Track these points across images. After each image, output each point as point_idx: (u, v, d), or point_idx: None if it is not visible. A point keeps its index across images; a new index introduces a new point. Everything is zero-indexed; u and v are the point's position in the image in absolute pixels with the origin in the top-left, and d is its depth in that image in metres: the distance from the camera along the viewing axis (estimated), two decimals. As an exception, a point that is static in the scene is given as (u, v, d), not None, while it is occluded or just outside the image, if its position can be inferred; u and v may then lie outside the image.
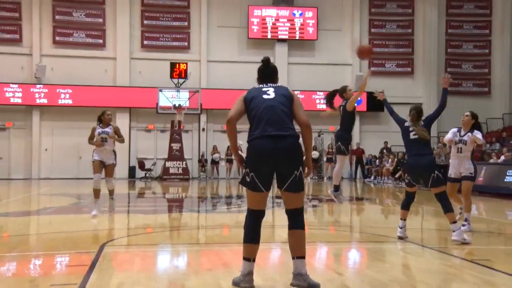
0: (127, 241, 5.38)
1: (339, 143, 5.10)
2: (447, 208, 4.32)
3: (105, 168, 6.26)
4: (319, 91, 17.54)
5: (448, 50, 18.84)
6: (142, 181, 16.16)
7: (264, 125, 2.66)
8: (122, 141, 6.42)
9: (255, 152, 2.69)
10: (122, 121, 17.34)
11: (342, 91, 5.11)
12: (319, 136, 17.94)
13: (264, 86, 2.85)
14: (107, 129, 6.14)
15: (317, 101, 17.71)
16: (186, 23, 17.48)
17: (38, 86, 16.22)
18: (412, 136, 4.41)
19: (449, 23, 18.84)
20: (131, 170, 16.96)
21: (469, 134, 4.98)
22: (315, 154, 17.34)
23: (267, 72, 2.93)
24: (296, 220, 2.76)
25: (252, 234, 2.76)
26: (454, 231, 4.29)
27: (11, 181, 15.96)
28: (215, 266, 3.38)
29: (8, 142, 16.32)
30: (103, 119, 6.19)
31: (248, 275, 2.75)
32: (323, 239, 5.22)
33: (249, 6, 17.50)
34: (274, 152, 2.64)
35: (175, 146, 15.96)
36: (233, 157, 2.35)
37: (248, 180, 2.71)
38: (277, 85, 2.85)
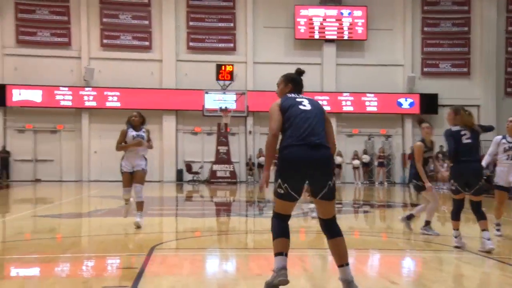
0: (176, 244, 5.70)
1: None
2: (483, 216, 4.53)
3: (134, 174, 6.04)
4: (369, 93, 18.25)
5: (508, 49, 19.08)
6: (190, 184, 17.12)
7: (302, 134, 2.85)
8: (150, 146, 6.22)
9: (291, 159, 2.85)
10: (168, 124, 18.65)
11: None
12: (369, 139, 18.44)
13: (297, 96, 3.04)
14: (141, 133, 6.03)
15: (367, 103, 18.42)
16: (232, 24, 18.43)
17: (86, 89, 17.55)
18: (465, 140, 4.47)
19: (509, 20, 19.07)
20: (179, 173, 18.04)
21: None
22: (365, 158, 17.99)
23: (300, 82, 3.16)
24: (334, 228, 2.95)
25: (282, 229, 2.94)
26: (488, 239, 4.42)
27: (62, 183, 17.23)
28: (264, 272, 3.43)
29: (59, 145, 17.74)
30: (132, 122, 6.07)
31: (282, 269, 2.84)
32: (375, 246, 5.36)
33: (295, 6, 18.31)
34: (312, 160, 2.83)
35: (222, 149, 16.90)
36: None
37: (282, 192, 2.86)
38: (309, 98, 3.08)
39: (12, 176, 17.32)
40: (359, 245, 5.37)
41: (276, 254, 2.91)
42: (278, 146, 2.96)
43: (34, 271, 4.20)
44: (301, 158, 2.84)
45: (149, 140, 6.16)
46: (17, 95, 17.19)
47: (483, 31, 18.56)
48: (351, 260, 4.01)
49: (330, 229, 2.96)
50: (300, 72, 3.21)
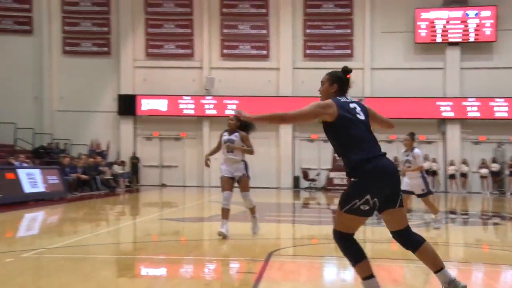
0: (293, 251, 5.98)
1: None
2: None
3: (238, 183, 6.25)
4: (498, 97, 18.09)
5: None
6: (306, 191, 18.03)
7: (369, 145, 2.90)
8: (249, 152, 6.26)
9: (381, 171, 2.82)
10: (285, 131, 19.23)
11: None
12: (499, 147, 18.24)
13: (347, 100, 3.01)
14: (232, 137, 6.15)
15: (495, 108, 18.31)
16: (349, 30, 19.11)
17: (207, 97, 19.11)
18: None
19: None
20: (295, 180, 18.99)
21: None
22: (495, 166, 17.71)
23: (347, 83, 3.13)
24: (414, 236, 2.95)
25: (361, 250, 2.93)
26: None
27: (186, 188, 18.95)
28: (384, 283, 3.48)
29: (182, 151, 19.48)
30: (227, 126, 6.32)
31: None
32: (507, 262, 5.25)
33: (416, 10, 18.65)
34: (393, 170, 2.93)
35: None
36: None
37: (367, 208, 2.80)
38: (357, 101, 3.09)
39: (141, 181, 19.44)
40: (488, 259, 5.40)
41: (366, 278, 2.88)
42: (346, 161, 2.92)
43: (161, 271, 4.73)
44: (388, 169, 2.88)
45: (248, 145, 6.21)
46: (146, 105, 19.23)
47: None
48: (479, 274, 4.12)
49: (412, 238, 2.95)
50: (346, 71, 3.17)
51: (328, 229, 8.71)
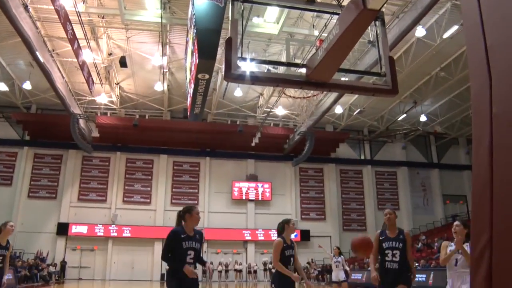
0: None
1: None
2: None
3: None
4: (273, 229, 39.28)
5: (343, 206, 39.77)
6: None
7: None
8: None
9: None
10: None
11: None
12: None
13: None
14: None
15: (271, 234, 39.04)
16: (196, 190, 39.46)
17: (112, 226, 34.99)
18: None
19: (343, 190, 41.19)
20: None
21: None
22: (270, 265, 37.87)
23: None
24: None
25: None
26: None
27: (94, 281, 36.04)
28: None
29: (94, 258, 36.38)
30: None
31: None
32: None
33: (232, 181, 40.77)
34: None
35: None
36: None
37: None
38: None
39: (67, 276, 35.25)
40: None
41: None
42: None
43: None
44: None
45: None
46: (74, 229, 35.23)
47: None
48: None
49: None
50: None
51: None
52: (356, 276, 28.43)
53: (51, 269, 32.38)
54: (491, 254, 1.84)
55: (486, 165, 1.89)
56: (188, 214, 5.39)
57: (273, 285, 5.98)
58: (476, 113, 2.07)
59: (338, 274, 13.42)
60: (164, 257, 5.10)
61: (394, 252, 6.01)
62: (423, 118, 35.35)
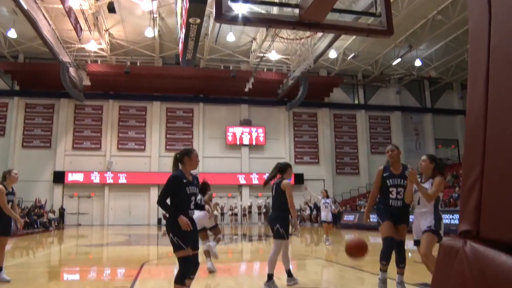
0: (157, 262, 9.42)
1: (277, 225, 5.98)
2: None
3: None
4: (267, 172, 39.49)
5: (336, 150, 39.94)
6: None
7: None
8: None
9: None
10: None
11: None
12: (268, 199, 38.41)
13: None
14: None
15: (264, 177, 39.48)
16: (190, 136, 39.63)
17: (108, 172, 35.42)
18: None
19: (336, 134, 40.85)
20: None
21: None
22: (264, 208, 38.71)
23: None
24: None
25: None
26: None
27: (92, 226, 36.05)
28: None
29: (91, 205, 35.83)
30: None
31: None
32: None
33: (226, 126, 40.62)
34: None
35: None
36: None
37: None
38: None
39: (66, 223, 35.91)
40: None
41: None
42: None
43: (76, 276, 7.78)
44: None
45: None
46: (70, 177, 35.79)
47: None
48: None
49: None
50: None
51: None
52: (348, 217, 29.16)
53: (51, 215, 32.80)
54: (481, 186, 1.88)
55: (481, 98, 1.89)
56: (187, 157, 4.97)
57: (278, 226, 6.20)
58: (473, 46, 2.04)
59: (327, 215, 14.35)
60: (161, 203, 4.60)
61: (399, 189, 5.62)
62: (418, 62, 35.06)
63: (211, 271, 7.60)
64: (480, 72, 1.96)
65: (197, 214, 7.04)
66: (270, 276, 6.07)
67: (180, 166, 4.99)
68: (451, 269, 1.85)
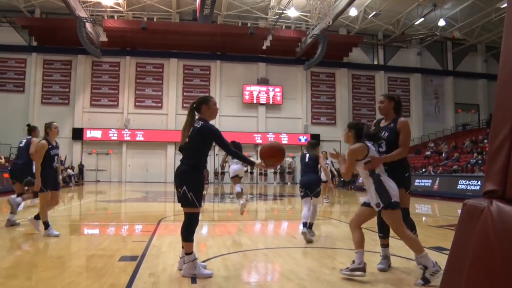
0: (173, 218, 9.62)
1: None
2: None
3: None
4: (283, 133, 39.41)
5: (353, 112, 39.37)
6: None
7: None
8: None
9: None
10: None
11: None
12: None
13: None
14: None
15: (282, 138, 39.48)
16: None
17: (125, 130, 35.97)
18: None
19: (354, 95, 39.53)
20: None
21: None
22: (281, 168, 38.95)
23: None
24: None
25: None
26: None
27: (111, 182, 36.17)
28: None
29: (109, 161, 36.52)
30: None
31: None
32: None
33: (243, 85, 40.22)
34: None
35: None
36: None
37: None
38: None
39: (85, 179, 36.65)
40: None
41: None
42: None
43: (95, 231, 7.84)
44: None
45: None
46: (89, 134, 36.49)
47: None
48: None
49: None
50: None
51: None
52: (364, 179, 28.98)
53: (70, 172, 33.44)
54: (510, 145, 1.80)
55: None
56: (205, 105, 4.69)
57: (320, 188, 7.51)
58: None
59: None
60: (233, 151, 4.60)
61: (380, 142, 4.77)
62: (441, 22, 33.88)
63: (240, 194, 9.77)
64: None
65: (235, 166, 9.39)
66: (311, 225, 7.20)
67: (197, 116, 4.69)
68: (474, 229, 1.81)
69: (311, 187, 7.13)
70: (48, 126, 7.18)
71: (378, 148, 4.74)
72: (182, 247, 4.65)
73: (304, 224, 6.83)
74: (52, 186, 7.11)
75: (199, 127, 4.54)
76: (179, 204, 4.62)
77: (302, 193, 7.18)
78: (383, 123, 4.95)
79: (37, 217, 7.29)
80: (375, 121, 5.19)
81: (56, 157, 7.14)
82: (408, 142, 4.65)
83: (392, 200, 4.29)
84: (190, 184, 4.44)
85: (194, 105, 4.72)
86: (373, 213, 4.56)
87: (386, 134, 4.75)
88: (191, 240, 4.50)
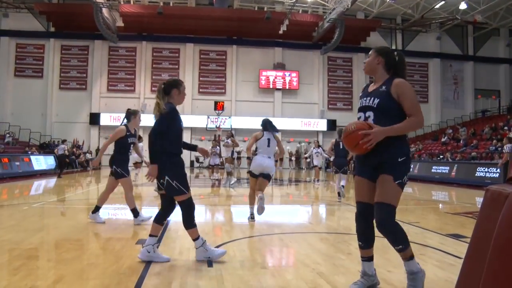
0: None
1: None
2: None
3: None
4: (301, 118, 39.64)
5: None
6: (197, 168, 38.18)
7: None
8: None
9: None
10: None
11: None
12: (299, 143, 39.54)
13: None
14: None
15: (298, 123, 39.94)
16: (223, 79, 38.60)
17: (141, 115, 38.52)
18: None
19: None
20: (191, 162, 38.87)
21: None
22: (296, 154, 38.92)
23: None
24: None
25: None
26: None
27: None
28: None
29: None
30: None
31: None
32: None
33: (259, 70, 39.98)
34: None
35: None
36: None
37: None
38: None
39: (102, 163, 37.30)
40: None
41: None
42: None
43: (107, 213, 8.29)
44: None
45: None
46: (106, 119, 37.31)
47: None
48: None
49: None
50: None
51: (205, 190, 14.78)
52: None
53: (88, 156, 33.78)
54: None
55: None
56: (176, 89, 4.47)
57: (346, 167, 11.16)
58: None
59: (318, 162, 17.83)
60: (151, 133, 4.39)
61: (367, 114, 3.43)
62: (463, 5, 33.08)
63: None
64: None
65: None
66: (343, 186, 11.25)
67: (165, 99, 4.34)
68: (497, 215, 1.77)
69: (340, 167, 11.31)
70: (133, 113, 7.09)
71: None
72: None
73: (338, 188, 11.19)
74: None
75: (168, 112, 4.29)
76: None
77: (335, 171, 11.43)
78: (371, 87, 3.57)
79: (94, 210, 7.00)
80: (364, 86, 3.77)
81: (132, 145, 7.07)
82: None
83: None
84: (171, 172, 4.25)
85: (163, 86, 4.39)
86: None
87: (376, 100, 3.37)
88: (194, 226, 4.40)
